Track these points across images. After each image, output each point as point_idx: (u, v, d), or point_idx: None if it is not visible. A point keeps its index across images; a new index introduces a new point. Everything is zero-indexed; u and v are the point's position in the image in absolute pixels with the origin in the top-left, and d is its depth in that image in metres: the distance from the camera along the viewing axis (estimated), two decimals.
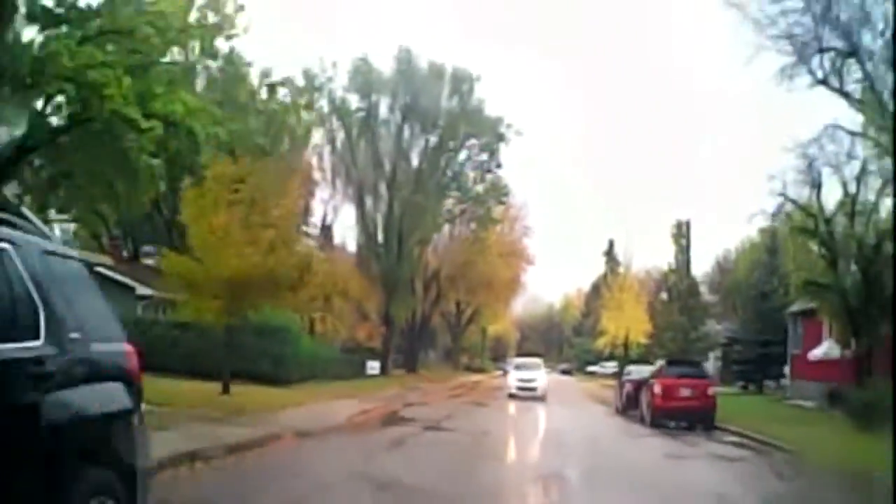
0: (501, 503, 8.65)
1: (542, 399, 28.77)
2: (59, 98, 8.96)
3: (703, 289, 66.39)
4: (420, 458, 11.27)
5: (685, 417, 18.16)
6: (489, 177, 38.94)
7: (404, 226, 36.24)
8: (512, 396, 29.23)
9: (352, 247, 41.76)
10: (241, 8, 12.85)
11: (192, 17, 10.18)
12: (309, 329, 30.80)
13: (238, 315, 18.14)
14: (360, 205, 38.15)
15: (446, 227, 41.35)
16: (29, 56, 8.87)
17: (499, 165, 38.40)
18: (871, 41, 15.78)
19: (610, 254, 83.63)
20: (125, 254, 29.12)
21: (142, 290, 25.16)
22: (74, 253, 4.23)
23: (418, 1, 64.94)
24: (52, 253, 3.72)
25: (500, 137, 38.49)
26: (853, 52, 15.68)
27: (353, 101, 36.43)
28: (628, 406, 21.81)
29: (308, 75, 34.30)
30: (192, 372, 19.24)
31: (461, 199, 39.38)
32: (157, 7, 9.19)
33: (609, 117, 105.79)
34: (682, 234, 40.46)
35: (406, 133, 36.76)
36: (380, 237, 37.47)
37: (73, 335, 3.53)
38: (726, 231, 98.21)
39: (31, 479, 3.13)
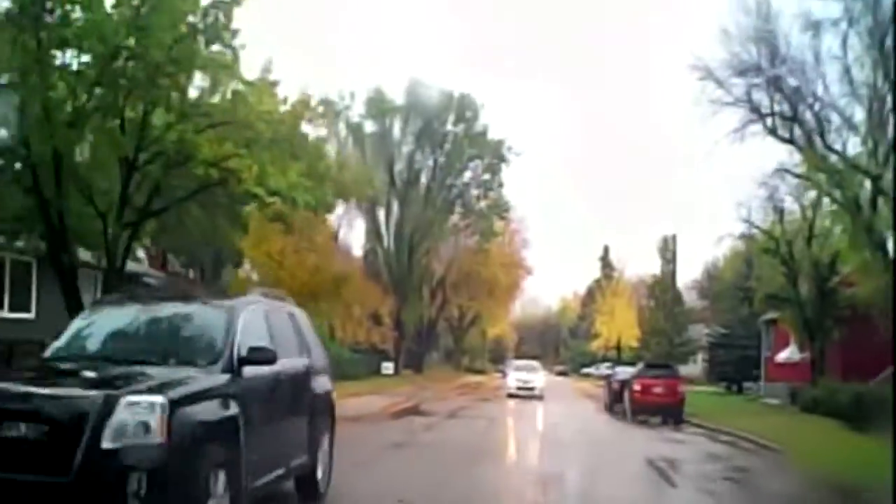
0: (508, 456, 12.92)
1: (539, 398, 31.08)
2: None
3: (693, 294, 70.06)
4: (449, 432, 15.78)
5: (659, 411, 21.77)
6: (491, 194, 42.58)
7: (414, 239, 39.78)
8: (511, 396, 31.17)
9: (356, 252, 45.20)
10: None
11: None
12: (329, 334, 34.28)
13: None
14: (373, 219, 41.65)
15: (452, 239, 44.89)
16: (171, 142, 12.29)
17: (500, 185, 42.10)
18: (812, 104, 19.37)
19: (605, 259, 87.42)
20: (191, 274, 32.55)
21: None
22: (298, 310, 7.80)
23: (428, 33, 70.62)
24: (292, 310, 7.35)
25: (502, 158, 42.13)
26: (794, 115, 19.23)
27: (368, 125, 40.03)
28: (614, 402, 25.42)
29: (327, 103, 37.85)
30: None
31: (466, 214, 43.01)
32: (263, 106, 12.57)
33: (603, 139, 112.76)
34: (667, 247, 44.03)
35: (417, 155, 40.40)
36: (392, 249, 41.00)
37: (315, 354, 7.18)
38: (711, 243, 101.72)
39: (308, 425, 6.79)
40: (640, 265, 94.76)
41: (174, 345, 5.57)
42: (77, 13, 11.43)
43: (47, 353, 5.85)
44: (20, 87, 11.36)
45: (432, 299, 48.53)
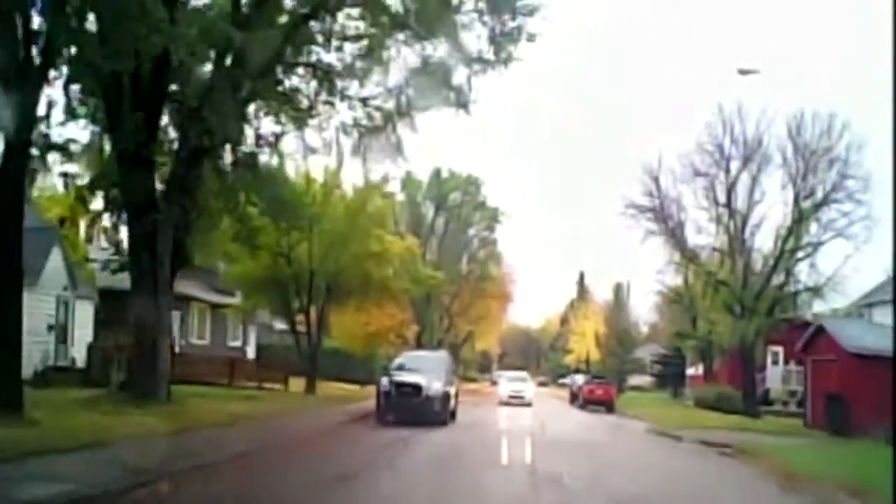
0: (522, 419, 26.24)
1: (528, 405, 35.51)
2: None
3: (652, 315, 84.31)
4: (469, 411, 28.93)
5: (599, 404, 35.86)
6: (489, 247, 56.56)
7: None
8: (503, 404, 35.08)
9: None
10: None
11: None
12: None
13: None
14: None
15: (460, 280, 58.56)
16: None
17: (494, 241, 56.22)
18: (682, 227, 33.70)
19: (581, 283, 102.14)
20: None
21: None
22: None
23: (443, 127, 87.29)
24: None
25: (496, 219, 56.24)
26: (675, 235, 33.49)
27: (399, 196, 53.66)
28: (573, 399, 39.56)
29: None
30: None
31: (469, 261, 56.87)
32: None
33: (577, 204, 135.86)
34: (619, 291, 58.34)
35: (438, 221, 54.36)
36: None
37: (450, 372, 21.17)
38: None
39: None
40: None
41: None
42: None
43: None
44: None
45: (440, 323, 62.24)
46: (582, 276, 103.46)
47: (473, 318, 62.84)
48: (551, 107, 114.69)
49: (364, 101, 22.01)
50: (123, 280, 22.50)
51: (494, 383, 63.63)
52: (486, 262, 56.79)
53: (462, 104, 20.48)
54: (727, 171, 33.27)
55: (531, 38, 19.73)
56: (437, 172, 53.28)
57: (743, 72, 19.84)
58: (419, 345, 54.16)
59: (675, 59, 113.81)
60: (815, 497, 10.88)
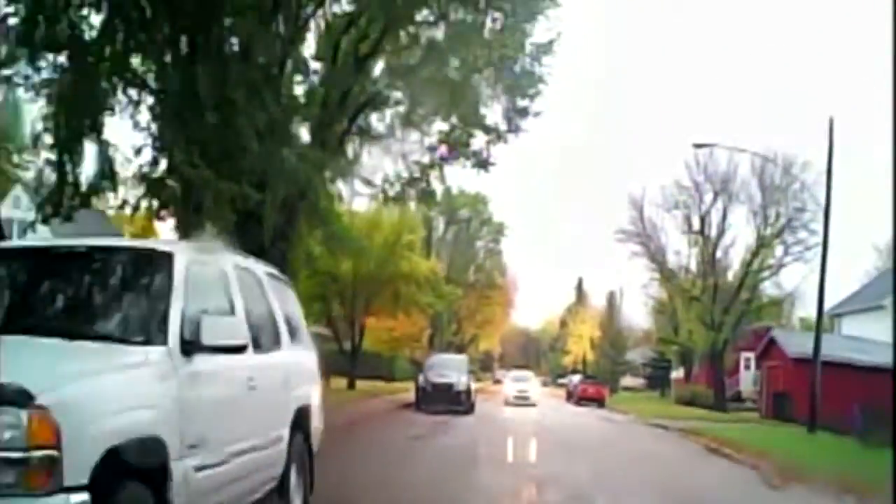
0: (518, 418, 32.09)
1: (533, 405, 35.20)
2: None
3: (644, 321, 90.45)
4: (480, 404, 34.80)
5: (591, 401, 41.79)
6: (494, 258, 62.52)
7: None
8: (508, 404, 34.90)
9: None
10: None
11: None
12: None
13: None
14: None
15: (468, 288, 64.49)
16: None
17: (500, 252, 62.17)
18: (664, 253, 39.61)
19: (579, 288, 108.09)
20: None
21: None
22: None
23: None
24: None
25: (502, 233, 62.21)
26: (656, 259, 39.38)
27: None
28: (570, 396, 45.48)
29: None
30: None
31: (476, 270, 62.79)
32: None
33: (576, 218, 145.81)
34: (612, 299, 64.37)
35: (449, 234, 60.24)
36: None
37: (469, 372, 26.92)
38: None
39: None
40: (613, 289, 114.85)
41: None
42: None
43: None
44: None
45: (448, 327, 68.20)
46: (580, 282, 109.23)
47: (479, 323, 68.89)
48: (554, 144, 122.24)
49: (404, 157, 28.00)
50: None
51: (497, 381, 69.45)
52: (491, 272, 62.78)
53: (481, 164, 26.39)
54: (701, 203, 39.25)
55: (537, 114, 25.62)
56: (448, 190, 59.12)
57: (698, 145, 25.67)
58: (431, 346, 60.19)
59: (660, 109, 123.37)
60: (722, 456, 16.80)
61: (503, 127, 25.94)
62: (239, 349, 4.71)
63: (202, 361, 4.40)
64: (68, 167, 13.75)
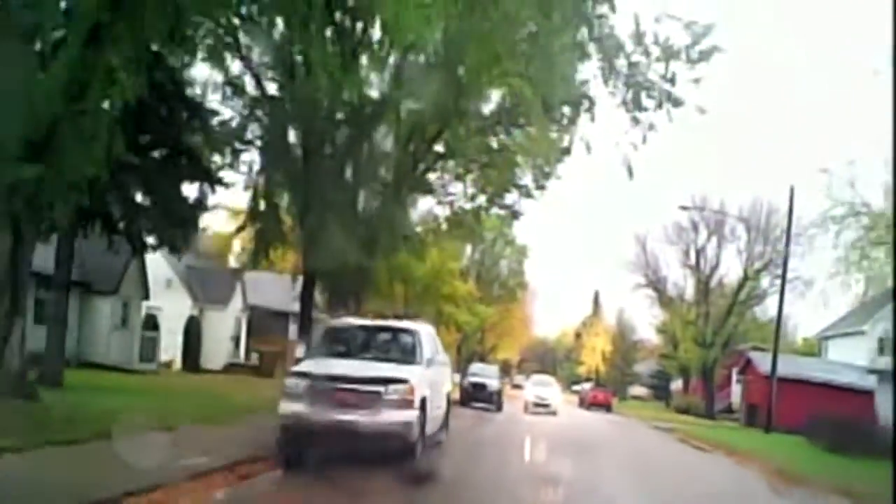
0: (537, 420, 39.24)
1: (553, 413, 34.49)
2: None
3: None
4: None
5: (600, 406, 48.76)
6: (517, 277, 69.74)
7: None
8: (527, 411, 34.51)
9: None
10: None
11: None
12: None
13: None
14: None
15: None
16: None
17: (522, 272, 69.46)
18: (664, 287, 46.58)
19: (595, 300, 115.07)
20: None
21: None
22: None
23: None
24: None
25: (524, 255, 69.37)
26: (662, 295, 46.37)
27: None
28: (582, 402, 52.49)
29: None
30: None
31: (501, 286, 69.93)
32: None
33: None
34: (622, 315, 71.51)
35: (476, 254, 67.64)
36: None
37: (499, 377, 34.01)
38: None
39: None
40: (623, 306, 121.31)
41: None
42: None
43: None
44: None
45: (473, 336, 75.45)
46: (597, 295, 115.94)
47: (499, 334, 76.02)
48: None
49: (451, 204, 35.33)
50: (269, 301, 36.53)
51: (516, 386, 76.22)
52: (514, 289, 69.89)
53: (513, 215, 33.65)
54: (696, 241, 46.24)
55: (559, 177, 32.77)
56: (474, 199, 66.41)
57: (683, 207, 32.79)
58: (458, 353, 67.40)
59: (664, 158, 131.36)
60: (686, 444, 23.84)
61: (532, 186, 33.23)
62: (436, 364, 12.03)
63: (430, 369, 11.65)
64: None
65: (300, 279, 30.28)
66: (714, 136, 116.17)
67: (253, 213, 21.83)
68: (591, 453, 17.03)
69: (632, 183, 21.39)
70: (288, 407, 10.39)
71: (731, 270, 46.62)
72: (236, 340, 40.78)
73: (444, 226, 35.90)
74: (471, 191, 34.49)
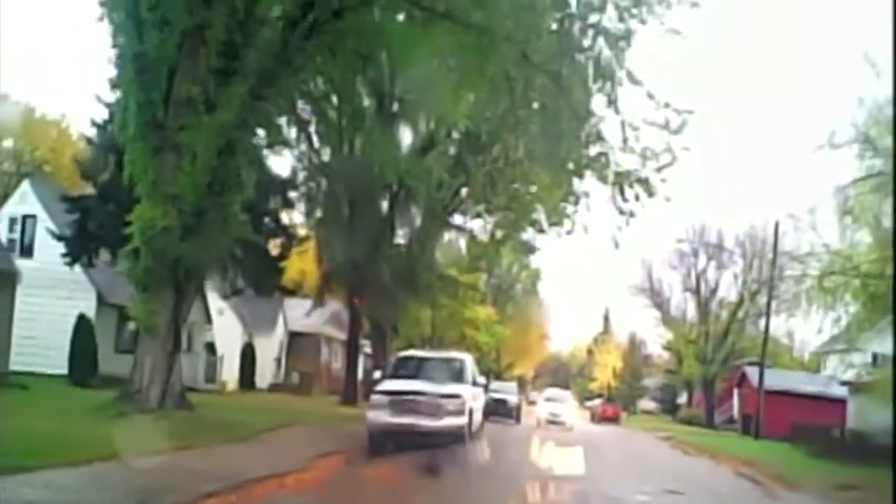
0: (552, 429, 43.38)
1: (570, 430, 33.79)
2: None
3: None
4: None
5: (609, 420, 52.74)
6: (531, 298, 74.15)
7: None
8: (540, 427, 33.69)
9: None
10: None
11: None
12: None
13: None
14: None
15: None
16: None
17: (536, 293, 73.82)
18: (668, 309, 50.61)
19: (606, 318, 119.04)
20: None
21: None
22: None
23: None
24: None
25: (538, 278, 73.87)
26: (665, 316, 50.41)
27: None
28: (593, 417, 56.47)
29: None
30: None
31: (515, 308, 74.38)
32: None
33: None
34: (633, 341, 75.78)
35: (493, 279, 72.05)
36: None
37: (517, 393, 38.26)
38: None
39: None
40: (632, 324, 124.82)
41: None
42: None
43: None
44: None
45: (489, 354, 79.70)
46: (607, 313, 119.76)
47: (515, 352, 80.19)
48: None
49: (473, 239, 39.80)
50: (302, 325, 41.07)
51: (531, 403, 79.98)
52: (528, 310, 74.17)
53: (529, 250, 38.04)
54: (696, 266, 50.40)
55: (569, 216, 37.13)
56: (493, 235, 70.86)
57: (680, 241, 37.07)
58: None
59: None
60: (679, 449, 27.93)
61: (546, 222, 37.59)
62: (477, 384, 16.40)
63: (473, 387, 16.00)
64: None
65: (329, 304, 35.01)
66: (715, 170, 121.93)
67: (319, 259, 26.39)
68: (587, 451, 21.33)
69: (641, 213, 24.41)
70: (373, 414, 14.72)
71: (730, 292, 50.71)
72: (278, 362, 45.15)
73: (466, 259, 40.43)
74: (489, 227, 39.09)
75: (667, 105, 16.41)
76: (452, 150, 29.29)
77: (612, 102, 16.53)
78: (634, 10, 15.68)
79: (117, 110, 14.93)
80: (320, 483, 11.07)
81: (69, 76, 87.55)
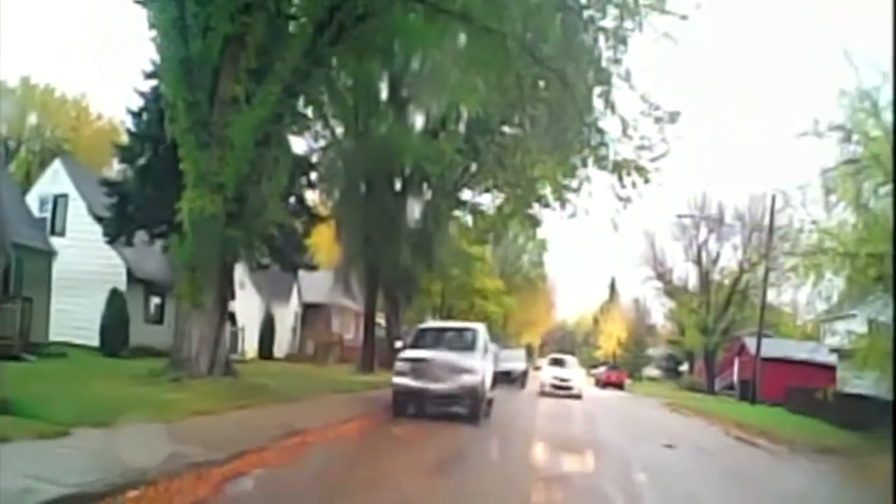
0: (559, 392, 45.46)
1: (578, 397, 31.42)
2: None
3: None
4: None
5: (613, 385, 54.74)
6: (537, 269, 75.93)
7: None
8: (544, 394, 32.04)
9: None
10: None
11: None
12: None
13: None
14: None
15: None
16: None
17: (542, 264, 75.79)
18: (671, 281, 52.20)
19: (612, 287, 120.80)
20: None
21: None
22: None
23: None
24: None
25: (544, 248, 75.48)
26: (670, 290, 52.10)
27: None
28: (598, 382, 58.49)
29: None
30: None
31: (522, 278, 76.20)
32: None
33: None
34: (637, 306, 77.45)
35: (499, 250, 73.69)
36: None
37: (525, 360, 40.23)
38: None
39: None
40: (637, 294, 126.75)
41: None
42: None
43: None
44: None
45: (497, 324, 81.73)
46: (613, 281, 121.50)
47: (522, 321, 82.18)
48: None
49: (482, 213, 41.47)
50: (314, 296, 42.87)
51: (537, 369, 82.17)
52: (535, 280, 75.99)
53: (534, 224, 39.69)
54: (698, 237, 51.95)
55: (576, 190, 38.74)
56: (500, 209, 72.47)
57: (680, 216, 38.55)
58: None
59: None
60: (676, 412, 29.78)
61: (552, 199, 39.18)
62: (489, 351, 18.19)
63: (486, 353, 17.80)
64: None
65: (339, 274, 36.89)
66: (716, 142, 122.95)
67: (338, 235, 28.17)
68: (589, 412, 23.22)
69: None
70: (398, 379, 16.53)
71: (731, 263, 52.30)
72: (294, 332, 47.12)
73: (473, 232, 42.14)
74: (498, 202, 40.71)
75: (657, 108, 18.02)
76: (462, 129, 30.85)
77: (608, 104, 18.13)
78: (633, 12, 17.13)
79: (166, 107, 16.46)
80: (364, 429, 13.14)
81: (89, 57, 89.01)
